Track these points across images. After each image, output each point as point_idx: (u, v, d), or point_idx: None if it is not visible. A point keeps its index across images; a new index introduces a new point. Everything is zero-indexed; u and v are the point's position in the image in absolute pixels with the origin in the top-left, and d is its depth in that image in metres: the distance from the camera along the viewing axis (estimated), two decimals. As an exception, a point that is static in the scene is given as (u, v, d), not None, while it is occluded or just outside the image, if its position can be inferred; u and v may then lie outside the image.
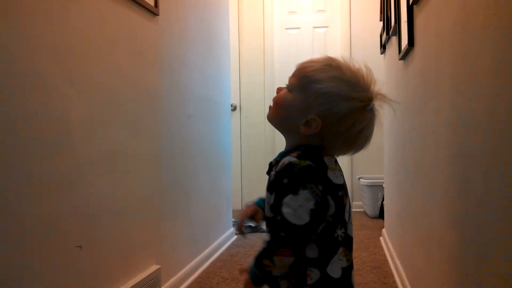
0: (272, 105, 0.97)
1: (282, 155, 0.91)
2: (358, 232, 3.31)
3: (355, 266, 2.40)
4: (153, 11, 1.82)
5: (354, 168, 4.26)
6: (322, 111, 0.87)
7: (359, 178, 4.15)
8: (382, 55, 3.35)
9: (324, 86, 0.87)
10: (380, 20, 3.28)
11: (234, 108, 4.47)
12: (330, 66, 0.90)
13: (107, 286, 1.47)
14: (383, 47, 3.13)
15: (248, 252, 2.81)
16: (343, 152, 0.94)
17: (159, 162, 1.91)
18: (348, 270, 0.89)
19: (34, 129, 1.14)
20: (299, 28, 4.50)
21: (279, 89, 0.98)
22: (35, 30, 1.15)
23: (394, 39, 2.39)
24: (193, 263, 2.31)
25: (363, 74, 0.90)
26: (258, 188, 4.45)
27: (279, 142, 4.49)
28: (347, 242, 0.90)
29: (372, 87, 0.90)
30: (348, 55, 4.33)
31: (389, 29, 2.46)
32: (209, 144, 2.69)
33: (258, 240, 3.09)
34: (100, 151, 1.44)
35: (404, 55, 1.91)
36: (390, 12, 2.40)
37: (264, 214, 0.99)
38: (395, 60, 2.24)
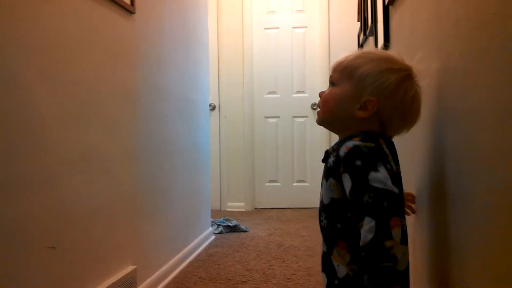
0: (320, 108, 0.99)
1: (340, 143, 0.91)
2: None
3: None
4: (129, 10, 1.80)
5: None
6: (374, 90, 0.91)
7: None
8: (360, 55, 3.39)
9: (367, 68, 0.92)
10: (358, 21, 3.31)
11: (213, 108, 4.46)
12: (364, 53, 0.96)
13: (82, 287, 1.45)
14: (360, 47, 3.16)
15: (226, 252, 2.80)
16: (401, 128, 0.97)
17: (135, 161, 1.89)
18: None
19: (4, 128, 1.11)
20: (278, 28, 4.51)
21: (322, 93, 1.00)
22: (4, 26, 1.12)
23: (371, 39, 2.41)
24: (170, 263, 2.29)
25: (394, 53, 0.96)
26: (237, 188, 4.46)
27: (259, 142, 4.50)
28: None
29: (406, 61, 0.94)
30: (326, 56, 4.36)
31: (366, 29, 2.48)
32: (187, 144, 2.67)
33: (237, 240, 3.08)
34: (74, 150, 1.42)
35: (381, 55, 1.93)
36: (367, 12, 2.43)
37: (321, 201, 0.97)
38: (372, 60, 2.27)
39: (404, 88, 0.90)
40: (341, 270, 0.88)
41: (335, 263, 0.90)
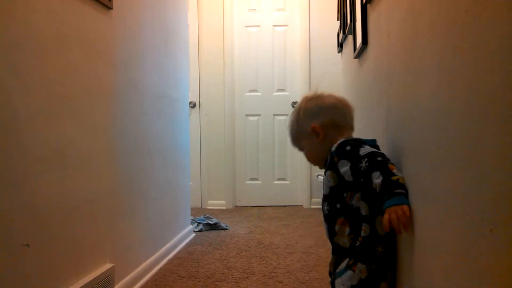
0: (311, 162, 1.37)
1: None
2: (317, 228, 3.35)
3: (312, 262, 2.44)
4: (106, 5, 1.78)
5: (313, 166, 4.30)
6: (306, 124, 1.29)
7: (317, 176, 4.20)
8: (340, 53, 3.40)
9: (294, 123, 1.34)
10: (338, 19, 3.33)
11: (193, 105, 4.44)
12: (290, 122, 1.36)
13: (57, 285, 1.43)
14: (340, 46, 3.18)
15: (206, 249, 2.79)
16: (344, 129, 1.29)
17: (112, 159, 1.87)
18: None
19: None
20: (259, 26, 4.51)
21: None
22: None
23: (350, 38, 2.43)
24: (149, 261, 2.28)
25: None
26: (218, 186, 4.45)
27: (239, 140, 4.49)
28: None
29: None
30: (307, 54, 4.38)
31: (346, 28, 2.50)
32: (166, 142, 2.66)
33: (217, 238, 3.08)
34: (48, 146, 1.39)
35: (359, 54, 1.95)
36: (346, 11, 2.44)
37: (323, 194, 1.21)
38: (351, 58, 2.28)
39: (315, 109, 1.28)
40: (346, 243, 1.15)
41: (339, 242, 1.16)
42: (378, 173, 0.99)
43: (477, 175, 0.58)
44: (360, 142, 1.12)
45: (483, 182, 0.56)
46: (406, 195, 0.95)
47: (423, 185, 0.88)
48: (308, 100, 1.31)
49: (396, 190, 0.95)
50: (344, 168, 1.10)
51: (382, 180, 0.97)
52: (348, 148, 1.10)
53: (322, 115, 1.27)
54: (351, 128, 1.31)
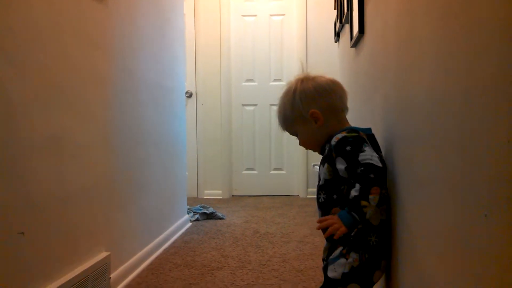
0: (305, 147, 1.34)
1: (330, 137, 1.18)
2: (313, 218, 3.36)
3: (308, 251, 2.45)
4: (101, -8, 1.76)
5: (309, 156, 4.31)
6: (304, 107, 1.25)
7: (313, 165, 4.20)
8: (336, 43, 3.39)
9: (287, 106, 1.27)
10: (335, 9, 3.32)
11: (189, 95, 4.43)
12: (280, 102, 1.31)
13: (53, 274, 1.43)
14: (337, 35, 3.17)
15: (202, 239, 2.80)
16: (341, 112, 1.29)
17: (108, 148, 1.87)
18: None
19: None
20: (255, 15, 4.48)
21: (298, 142, 1.33)
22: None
23: (347, 27, 2.42)
24: (145, 250, 2.28)
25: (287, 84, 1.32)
26: (214, 176, 4.45)
27: (236, 130, 4.49)
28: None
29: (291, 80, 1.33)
30: (304, 44, 4.37)
31: (342, 17, 2.49)
32: (162, 131, 2.65)
33: (213, 228, 3.09)
34: (44, 135, 1.39)
35: (356, 43, 1.94)
36: (343, 0, 2.43)
37: (319, 183, 1.23)
38: (348, 47, 2.27)
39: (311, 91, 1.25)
40: None
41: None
42: (358, 187, 1.02)
43: (471, 161, 0.58)
44: (361, 142, 1.10)
45: (477, 168, 0.56)
46: (356, 222, 1.02)
47: (417, 172, 0.88)
48: (302, 82, 1.26)
49: (352, 213, 1.02)
50: (341, 166, 1.11)
51: (354, 197, 1.02)
52: (348, 148, 1.09)
53: (320, 99, 1.23)
54: (346, 109, 1.30)
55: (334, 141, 1.13)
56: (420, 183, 0.86)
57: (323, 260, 1.25)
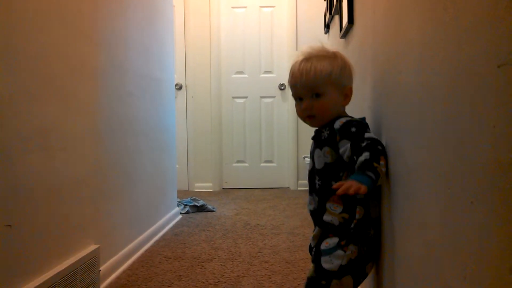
0: (317, 115, 1.18)
1: (330, 122, 1.15)
2: (303, 210, 3.37)
3: (298, 243, 2.45)
4: (88, -18, 1.74)
5: (300, 148, 4.31)
6: (346, 80, 1.20)
7: (304, 158, 4.21)
8: (326, 35, 3.39)
9: (334, 68, 1.17)
10: (324, 0, 3.31)
11: (179, 87, 4.40)
12: (315, 60, 1.18)
13: (41, 266, 1.42)
14: (327, 26, 3.16)
15: (192, 231, 2.80)
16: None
17: (97, 139, 1.85)
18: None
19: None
20: (245, 7, 4.46)
21: (308, 104, 1.18)
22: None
23: (336, 18, 2.41)
24: (135, 242, 2.28)
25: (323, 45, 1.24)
26: (204, 168, 4.44)
27: (226, 122, 4.48)
28: None
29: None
30: (294, 36, 4.35)
31: (332, 8, 2.48)
32: (151, 123, 2.63)
33: (203, 220, 3.09)
34: (31, 126, 1.37)
35: (345, 33, 1.94)
36: (333, -9, 2.42)
37: (313, 168, 1.20)
38: (337, 39, 2.27)
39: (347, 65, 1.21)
40: (335, 221, 1.12)
41: (327, 219, 1.13)
42: (368, 153, 1.00)
43: (458, 147, 0.58)
44: (365, 126, 1.10)
45: (463, 154, 0.56)
46: (374, 181, 0.97)
47: (406, 161, 0.88)
48: (346, 58, 1.24)
49: (367, 172, 0.97)
50: (344, 147, 1.09)
51: (365, 160, 0.99)
52: (353, 130, 1.08)
53: (352, 82, 1.23)
54: None
55: (338, 124, 1.11)
56: (408, 172, 0.86)
57: (311, 248, 1.23)
